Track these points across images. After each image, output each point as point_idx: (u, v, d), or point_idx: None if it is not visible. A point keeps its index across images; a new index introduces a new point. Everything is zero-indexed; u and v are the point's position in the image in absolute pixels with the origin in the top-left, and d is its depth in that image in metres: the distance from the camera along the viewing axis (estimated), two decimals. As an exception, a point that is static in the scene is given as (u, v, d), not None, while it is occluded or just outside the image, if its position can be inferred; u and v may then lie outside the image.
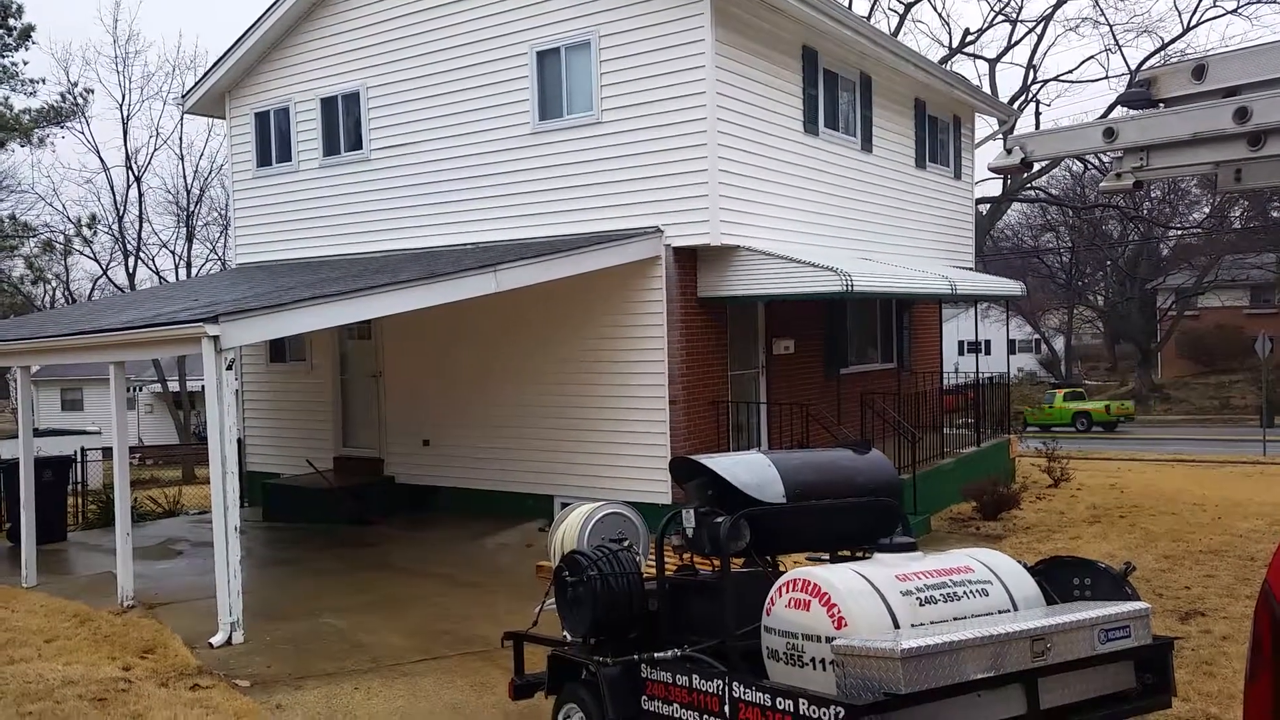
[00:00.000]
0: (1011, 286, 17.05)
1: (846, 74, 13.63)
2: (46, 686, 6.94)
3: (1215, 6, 40.69)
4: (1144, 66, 27.76)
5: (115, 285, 35.98)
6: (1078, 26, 46.41)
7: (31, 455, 11.12)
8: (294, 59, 14.57)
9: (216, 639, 8.14)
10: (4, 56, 29.06)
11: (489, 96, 12.54)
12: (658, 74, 11.25)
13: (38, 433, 13.08)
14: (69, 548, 13.02)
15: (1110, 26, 35.86)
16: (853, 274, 10.87)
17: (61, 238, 35.73)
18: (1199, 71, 4.09)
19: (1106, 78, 44.25)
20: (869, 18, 30.05)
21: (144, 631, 8.37)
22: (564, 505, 8.98)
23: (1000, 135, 20.04)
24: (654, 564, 5.52)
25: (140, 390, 43.21)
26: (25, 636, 8.32)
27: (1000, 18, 31.78)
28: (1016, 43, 32.56)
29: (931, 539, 11.64)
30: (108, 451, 17.82)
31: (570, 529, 6.54)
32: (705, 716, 4.59)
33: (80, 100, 32.57)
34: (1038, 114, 30.30)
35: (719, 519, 5.04)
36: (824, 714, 3.92)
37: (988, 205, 32.01)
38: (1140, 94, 4.29)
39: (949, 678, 3.78)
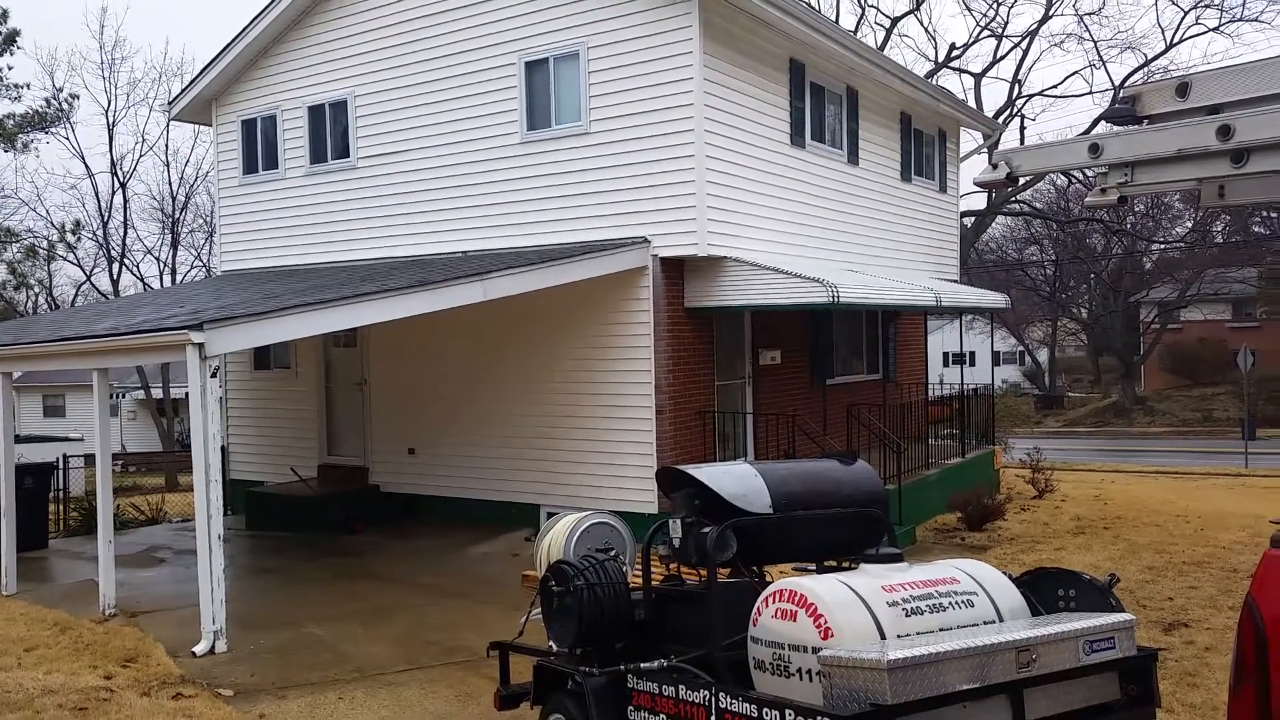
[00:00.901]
0: (996, 299, 17.15)
1: (833, 87, 13.70)
2: (26, 696, 6.87)
3: (1198, 24, 41.14)
4: (1128, 83, 28.03)
5: (99, 291, 35.74)
6: (1062, 42, 46.89)
7: (12, 462, 11.04)
8: (282, 66, 14.56)
9: (199, 648, 8.09)
10: (-12, 61, 28.91)
11: (477, 106, 12.56)
12: (646, 85, 11.29)
13: (18, 439, 12.98)
14: (50, 555, 12.91)
15: (1094, 42, 36.23)
16: (839, 285, 10.92)
17: (45, 243, 35.49)
18: (1183, 89, 4.14)
19: (1091, 93, 44.45)
20: (855, 32, 30.22)
21: (126, 640, 8.30)
22: (550, 515, 8.97)
23: (986, 150, 20.20)
24: (640, 574, 5.52)
25: (123, 397, 42.92)
26: (5, 645, 8.25)
27: (985, 33, 32.03)
28: (1002, 58, 32.72)
29: (917, 550, 11.67)
30: (90, 458, 17.67)
31: (556, 539, 6.54)
32: (691, 727, 4.58)
33: (65, 106, 32.36)
34: (1022, 128, 30.49)
35: (705, 529, 5.05)
36: (810, 725, 3.92)
37: (972, 218, 32.19)
38: (1125, 111, 4.34)
39: (935, 689, 3.79)
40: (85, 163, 48.54)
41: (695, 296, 11.70)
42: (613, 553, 5.70)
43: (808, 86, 13.05)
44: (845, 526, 5.32)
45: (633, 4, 11.35)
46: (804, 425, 12.53)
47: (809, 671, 4.14)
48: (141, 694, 7.00)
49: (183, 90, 15.83)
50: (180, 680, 7.35)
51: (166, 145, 48.96)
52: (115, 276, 34.95)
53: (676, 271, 11.62)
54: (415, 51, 13.08)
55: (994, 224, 39.57)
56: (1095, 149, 4.46)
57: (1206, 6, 29.88)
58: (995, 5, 33.27)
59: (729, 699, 4.36)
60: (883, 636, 4.12)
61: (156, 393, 37.73)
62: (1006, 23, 35.96)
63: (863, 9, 31.68)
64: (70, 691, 6.94)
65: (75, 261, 36.21)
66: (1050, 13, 30.69)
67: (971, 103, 30.09)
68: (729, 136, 11.51)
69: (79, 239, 35.19)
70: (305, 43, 14.27)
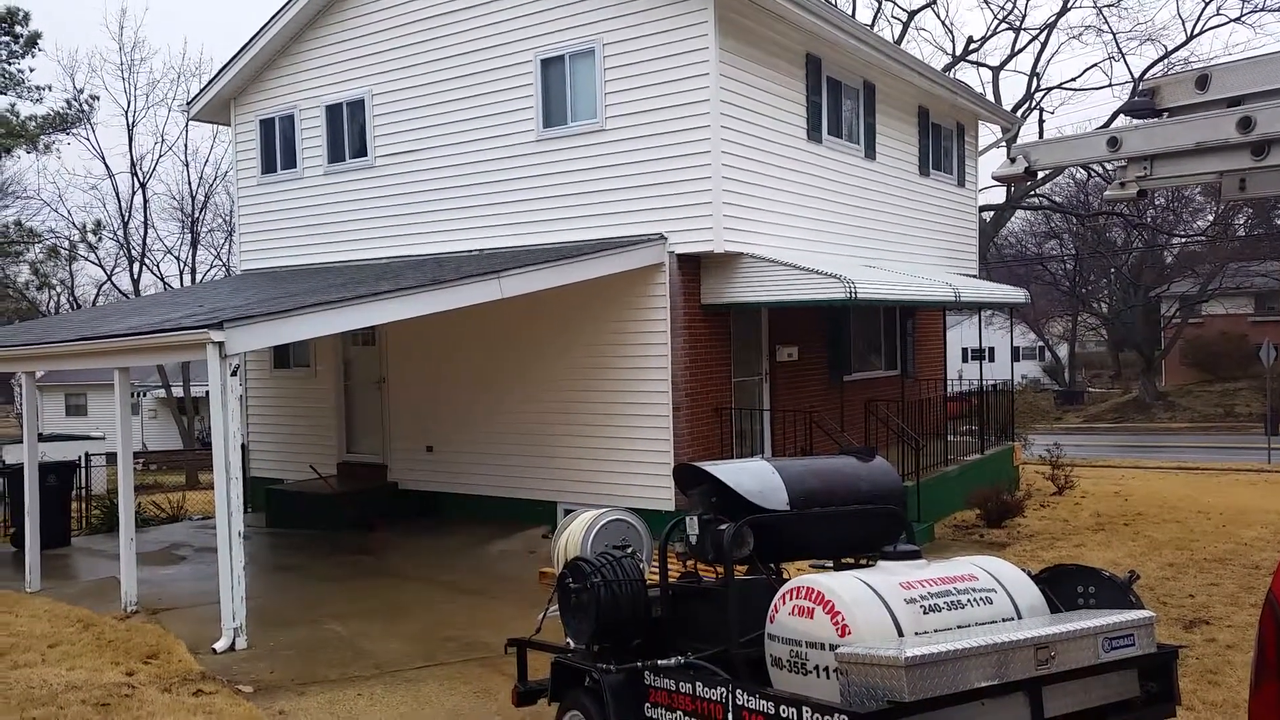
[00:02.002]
0: (1015, 294, 17.05)
1: (850, 82, 13.65)
2: (50, 692, 6.95)
3: (1218, 15, 40.78)
4: (1147, 76, 27.81)
5: (120, 291, 36.06)
6: (1080, 35, 46.54)
7: (36, 460, 11.15)
8: (299, 66, 14.63)
9: (220, 645, 8.15)
10: (10, 64, 29.15)
11: (494, 104, 12.58)
12: (662, 81, 11.28)
13: (42, 438, 13.11)
14: (73, 553, 13.03)
15: (1113, 35, 35.87)
16: (856, 281, 10.88)
17: (67, 244, 35.81)
18: (1202, 81, 4.10)
19: (1110, 85, 44.28)
20: (872, 26, 30.10)
21: (147, 637, 8.37)
22: (567, 512, 9.00)
23: (1004, 144, 20.07)
24: (657, 571, 5.53)
25: (144, 396, 43.27)
26: (29, 642, 8.33)
27: (1003, 26, 31.81)
28: (1019, 51, 32.53)
29: (935, 546, 11.63)
30: (111, 457, 17.82)
31: (574, 535, 6.54)
32: (708, 724, 4.58)
33: (86, 107, 32.63)
34: (1041, 121, 30.24)
35: (723, 526, 5.04)
36: (828, 722, 3.92)
37: (991, 212, 32.01)
38: (1144, 103, 4.30)
39: (953, 686, 3.77)
40: (105, 163, 49.04)
41: (712, 293, 11.68)
42: (630, 550, 5.71)
43: (824, 81, 13.01)
44: (863, 523, 5.30)
45: (648, 0, 11.33)
46: (821, 422, 12.50)
47: (826, 669, 4.13)
48: (163, 690, 7.06)
49: (201, 90, 15.93)
50: (201, 677, 7.41)
51: (185, 145, 49.51)
52: (136, 276, 35.28)
53: (693, 268, 11.61)
54: (432, 50, 13.11)
55: (1013, 218, 39.34)
56: (1114, 142, 4.42)
57: (1228, -4, 29.58)
58: (1013, -2, 33.07)
59: (746, 696, 4.36)
60: (900, 634, 4.10)
61: (177, 391, 38.06)
62: (1024, 15, 35.79)
63: (879, 3, 31.59)
64: (93, 688, 7.01)
65: (96, 261, 36.58)
66: (1068, 5, 30.47)
67: (990, 96, 29.90)
68: (745, 132, 11.49)
69: (100, 239, 35.53)
70: (322, 42, 14.33)
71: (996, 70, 32.16)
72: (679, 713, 4.75)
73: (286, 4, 14.21)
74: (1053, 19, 31.26)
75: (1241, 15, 31.18)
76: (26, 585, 10.64)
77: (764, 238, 11.78)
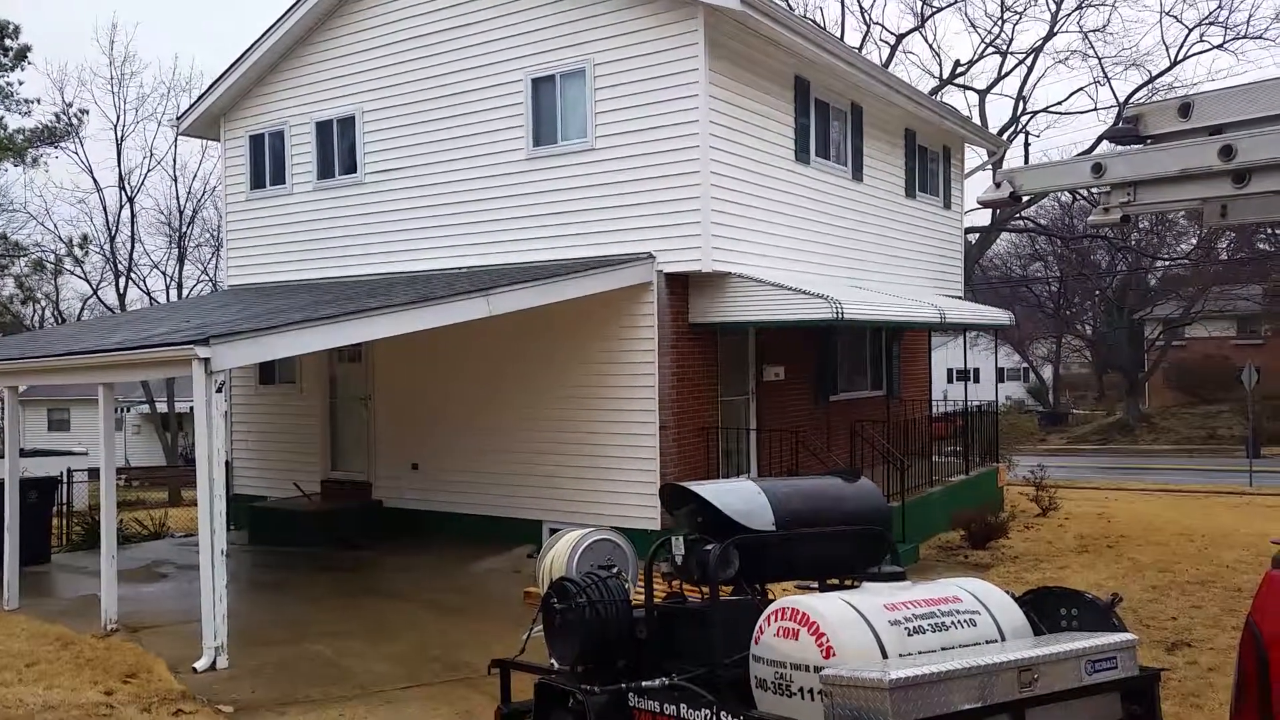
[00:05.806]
0: (1000, 315, 17.14)
1: (838, 104, 13.75)
2: (26, 712, 6.87)
3: (1202, 41, 41.33)
4: (1131, 102, 28.10)
5: (106, 306, 35.88)
6: (1067, 59, 46.85)
7: (16, 475, 11.05)
8: (290, 82, 14.64)
9: (201, 664, 8.07)
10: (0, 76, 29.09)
11: (484, 122, 12.62)
12: (651, 102, 11.35)
13: (23, 453, 13.00)
14: (53, 570, 12.90)
15: (1099, 59, 36.13)
16: (843, 302, 10.93)
17: (53, 257, 35.64)
18: (1185, 109, 4.16)
19: (1095, 109, 44.33)
20: (860, 49, 30.33)
21: (127, 656, 8.29)
22: (553, 531, 8.96)
23: (990, 167, 20.23)
24: (643, 591, 5.51)
25: (128, 411, 42.99)
26: (6, 660, 8.24)
27: (990, 50, 32.13)
28: (1006, 74, 32.81)
29: (920, 567, 11.63)
30: (94, 472, 17.69)
31: (559, 555, 6.52)
32: (693, 746, 4.56)
33: (75, 121, 32.57)
34: (1027, 145, 30.54)
35: (708, 546, 5.04)
36: (812, 744, 3.91)
37: (977, 235, 32.21)
38: (1127, 130, 4.36)
39: (937, 708, 3.77)
40: (94, 177, 48.81)
41: (699, 312, 11.71)
42: (615, 570, 5.68)
43: (812, 103, 13.10)
44: (848, 544, 5.30)
45: (638, 22, 11.42)
46: (807, 442, 12.52)
47: (811, 690, 4.12)
48: (142, 710, 7.00)
49: (191, 106, 15.92)
50: (181, 696, 7.34)
51: (174, 160, 49.19)
52: (122, 291, 35.13)
53: (681, 287, 11.64)
54: (423, 68, 13.15)
55: (998, 240, 39.58)
56: (1098, 169, 4.48)
57: (1210, 24, 29.96)
58: (1000, 22, 33.39)
59: (731, 718, 4.35)
60: (885, 655, 4.10)
61: (161, 407, 37.83)
62: (1011, 40, 36.11)
63: (867, 26, 31.99)
64: (71, 707, 6.93)
65: (82, 275, 36.41)
66: (1054, 30, 30.80)
67: (976, 119, 30.13)
68: (734, 153, 11.56)
69: (86, 253, 35.39)
70: (313, 59, 14.36)
71: (983, 94, 32.44)
72: (663, 734, 4.73)
73: (278, 21, 14.24)
74: (1039, 43, 31.62)
75: (1224, 43, 31.51)
76: (4, 603, 10.52)
77: (752, 258, 11.83)
